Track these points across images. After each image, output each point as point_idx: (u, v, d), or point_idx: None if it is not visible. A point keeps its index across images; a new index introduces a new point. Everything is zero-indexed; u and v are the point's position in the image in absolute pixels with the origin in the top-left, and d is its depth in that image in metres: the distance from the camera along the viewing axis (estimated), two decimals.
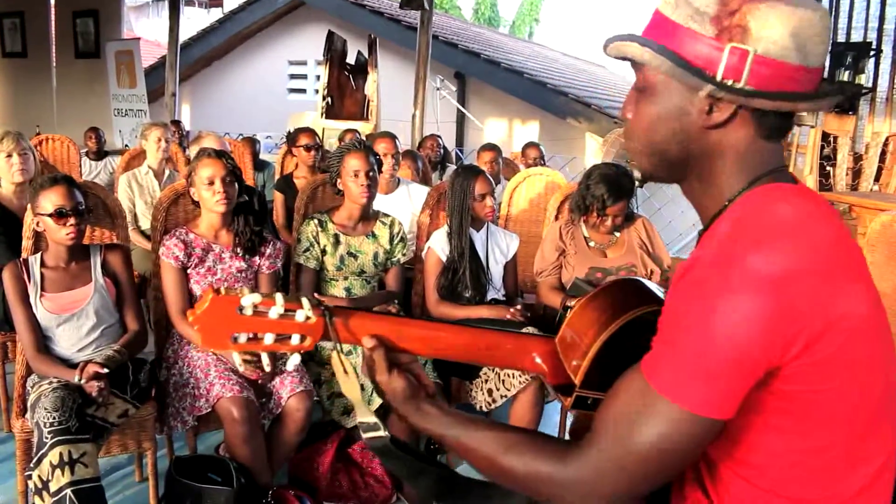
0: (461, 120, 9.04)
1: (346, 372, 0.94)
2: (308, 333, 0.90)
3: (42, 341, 2.09)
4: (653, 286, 1.04)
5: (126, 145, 7.66)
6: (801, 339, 0.77)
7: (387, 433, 0.96)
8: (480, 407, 2.40)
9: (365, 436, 0.96)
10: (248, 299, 0.85)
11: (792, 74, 0.82)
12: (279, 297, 0.87)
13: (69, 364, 2.05)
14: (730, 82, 0.81)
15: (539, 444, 0.89)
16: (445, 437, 0.95)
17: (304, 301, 0.88)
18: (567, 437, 1.14)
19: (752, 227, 0.82)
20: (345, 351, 0.94)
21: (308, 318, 0.89)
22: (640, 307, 0.97)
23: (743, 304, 0.75)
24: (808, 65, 0.82)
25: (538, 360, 1.02)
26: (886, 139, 5.26)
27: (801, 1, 0.81)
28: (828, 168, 5.55)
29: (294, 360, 0.92)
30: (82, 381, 1.93)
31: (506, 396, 2.33)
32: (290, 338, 0.90)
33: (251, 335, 0.88)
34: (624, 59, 0.89)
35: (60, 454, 1.78)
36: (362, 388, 1.02)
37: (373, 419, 0.95)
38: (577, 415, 1.07)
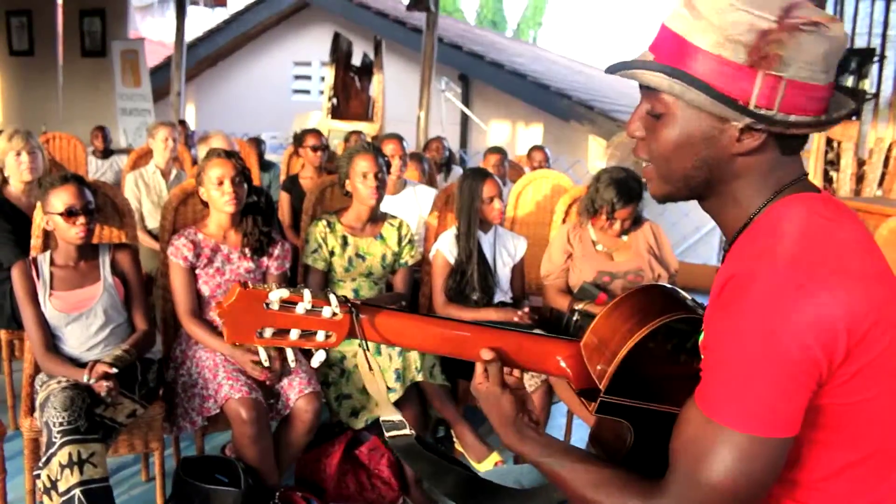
0: (465, 122, 9.04)
1: (370, 369, 0.93)
2: (334, 330, 0.89)
3: (50, 340, 2.08)
4: (680, 292, 1.02)
5: (130, 144, 7.66)
6: (842, 347, 0.76)
7: (412, 432, 0.95)
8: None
9: (388, 434, 0.95)
10: (276, 294, 0.85)
11: (820, 94, 0.81)
12: (307, 292, 0.87)
13: (77, 363, 2.05)
14: (763, 111, 0.79)
15: (627, 482, 0.87)
16: (540, 464, 0.94)
17: (332, 298, 0.88)
18: (586, 442, 1.13)
19: (786, 240, 0.80)
20: (370, 349, 0.93)
21: (335, 314, 0.88)
22: (666, 314, 0.95)
23: (790, 317, 0.74)
24: (828, 81, 0.81)
25: (563, 364, 1.01)
26: (890, 145, 5.26)
27: (829, 19, 0.79)
28: (831, 173, 5.55)
29: (319, 357, 0.91)
30: (91, 381, 1.92)
31: None
32: (315, 334, 0.89)
33: (277, 330, 0.88)
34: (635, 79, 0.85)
35: (69, 454, 1.78)
36: (386, 386, 1.01)
37: (398, 417, 0.95)
38: (599, 420, 1.06)
